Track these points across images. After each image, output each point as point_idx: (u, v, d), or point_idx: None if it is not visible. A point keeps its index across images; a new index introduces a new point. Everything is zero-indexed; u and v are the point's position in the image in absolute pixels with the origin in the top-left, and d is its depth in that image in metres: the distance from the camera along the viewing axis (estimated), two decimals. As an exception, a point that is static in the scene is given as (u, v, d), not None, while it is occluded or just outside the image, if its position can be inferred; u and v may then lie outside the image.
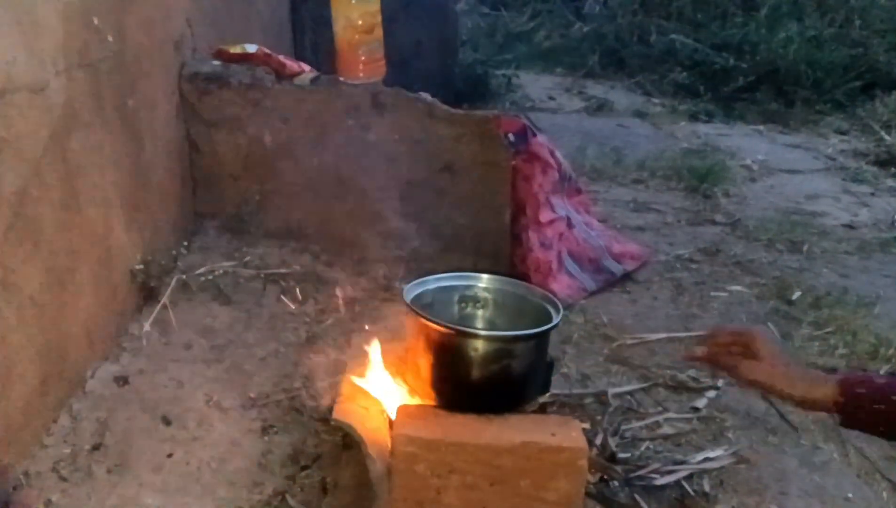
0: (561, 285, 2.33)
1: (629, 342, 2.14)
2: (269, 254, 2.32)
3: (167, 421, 1.61)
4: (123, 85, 1.85)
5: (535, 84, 5.42)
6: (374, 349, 1.50)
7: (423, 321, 1.37)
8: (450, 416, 1.35)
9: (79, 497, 1.40)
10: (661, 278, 2.57)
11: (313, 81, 2.36)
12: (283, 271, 2.24)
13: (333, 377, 1.74)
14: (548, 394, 1.51)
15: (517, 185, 2.33)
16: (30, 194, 1.44)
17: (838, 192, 3.67)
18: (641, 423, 1.78)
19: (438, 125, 2.27)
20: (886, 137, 4.52)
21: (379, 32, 2.41)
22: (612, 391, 1.87)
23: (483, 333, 1.43)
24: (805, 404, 1.18)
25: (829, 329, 2.26)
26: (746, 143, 4.40)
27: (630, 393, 1.89)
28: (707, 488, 1.59)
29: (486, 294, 1.55)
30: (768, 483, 1.63)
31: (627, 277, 2.53)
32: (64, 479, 1.43)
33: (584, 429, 1.40)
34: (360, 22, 2.36)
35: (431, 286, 1.51)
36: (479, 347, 1.34)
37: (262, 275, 2.20)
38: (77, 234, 1.63)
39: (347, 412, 1.43)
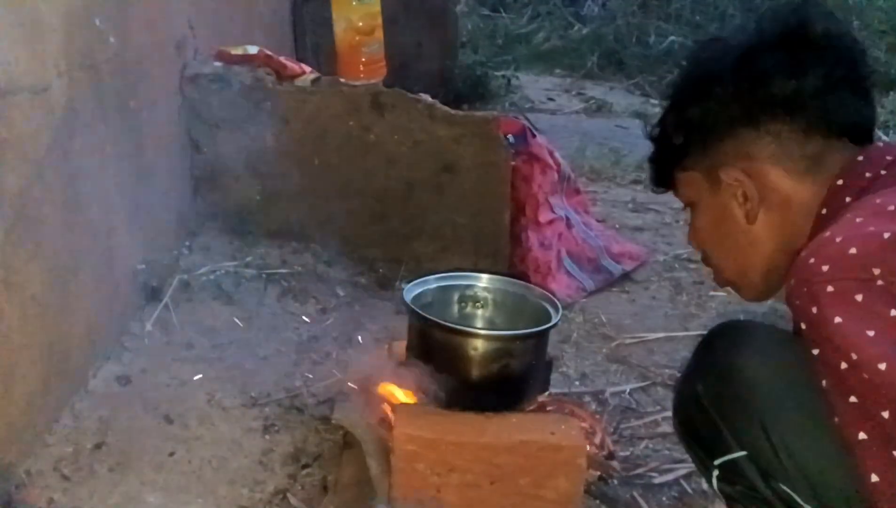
0: (560, 285, 2.34)
1: (628, 341, 2.15)
2: (270, 254, 2.32)
3: (169, 420, 1.62)
4: (125, 86, 1.86)
5: (535, 85, 5.43)
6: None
7: (424, 320, 1.38)
8: (450, 415, 1.37)
9: (81, 495, 1.40)
10: (659, 278, 2.58)
11: (314, 82, 2.37)
12: (284, 270, 2.25)
13: (334, 377, 1.76)
14: (547, 393, 1.52)
15: (517, 185, 2.34)
16: (32, 195, 1.44)
17: (837, 192, 3.68)
18: (640, 422, 1.78)
19: (438, 126, 2.28)
20: (884, 137, 4.53)
21: (379, 34, 2.43)
22: (610, 389, 1.88)
23: (483, 332, 1.45)
24: None
25: (826, 328, 2.27)
26: (745, 143, 4.40)
27: (629, 392, 1.90)
28: (705, 486, 1.59)
29: (485, 294, 1.56)
30: (766, 482, 1.63)
31: (626, 277, 2.54)
32: (66, 478, 1.44)
33: (582, 428, 1.41)
34: (360, 24, 2.38)
35: (431, 286, 1.52)
36: (478, 346, 1.36)
37: (264, 275, 2.21)
38: (79, 234, 1.64)
39: (348, 411, 1.45)
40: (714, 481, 1.04)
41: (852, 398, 0.85)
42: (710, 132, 1.10)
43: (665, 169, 1.19)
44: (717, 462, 1.02)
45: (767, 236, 1.10)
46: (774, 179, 1.07)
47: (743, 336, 1.05)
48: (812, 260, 0.91)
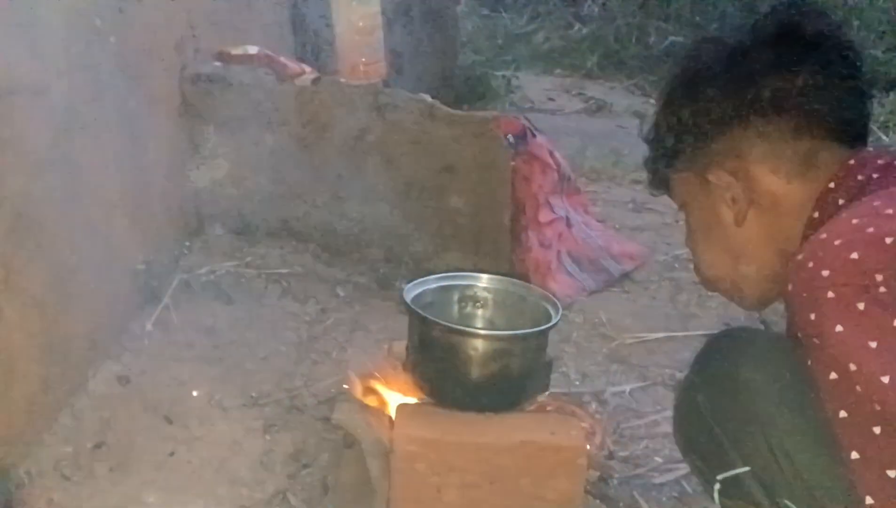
0: (560, 285, 2.34)
1: (628, 341, 2.15)
2: (270, 254, 2.32)
3: (169, 420, 1.62)
4: (125, 86, 1.86)
5: (535, 85, 5.42)
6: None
7: (424, 320, 1.38)
8: (450, 415, 1.36)
9: (80, 495, 1.40)
10: (659, 278, 2.57)
11: (314, 82, 2.37)
12: (284, 270, 2.25)
13: (334, 377, 1.76)
14: (547, 393, 1.52)
15: (517, 185, 2.34)
16: (32, 195, 1.45)
17: (837, 192, 3.67)
18: (640, 422, 1.78)
19: (438, 126, 2.28)
20: (884, 138, 4.53)
21: (379, 34, 2.42)
22: (610, 389, 1.88)
23: (483, 332, 1.44)
24: None
25: (826, 328, 2.27)
26: (745, 143, 4.40)
27: (629, 392, 1.90)
28: (705, 487, 1.60)
29: (485, 294, 1.56)
30: (766, 482, 1.63)
31: (626, 277, 2.54)
32: (66, 478, 1.44)
33: (582, 428, 1.41)
34: (360, 23, 2.38)
35: (431, 286, 1.52)
36: (478, 346, 1.35)
37: (264, 275, 2.21)
38: (79, 234, 1.64)
39: (348, 412, 1.45)
40: (716, 495, 1.02)
41: (842, 413, 0.82)
42: (701, 133, 1.09)
43: (659, 171, 1.20)
44: (719, 478, 1.00)
45: (758, 240, 1.08)
46: (763, 180, 1.06)
47: (744, 346, 1.03)
48: (811, 264, 0.88)
